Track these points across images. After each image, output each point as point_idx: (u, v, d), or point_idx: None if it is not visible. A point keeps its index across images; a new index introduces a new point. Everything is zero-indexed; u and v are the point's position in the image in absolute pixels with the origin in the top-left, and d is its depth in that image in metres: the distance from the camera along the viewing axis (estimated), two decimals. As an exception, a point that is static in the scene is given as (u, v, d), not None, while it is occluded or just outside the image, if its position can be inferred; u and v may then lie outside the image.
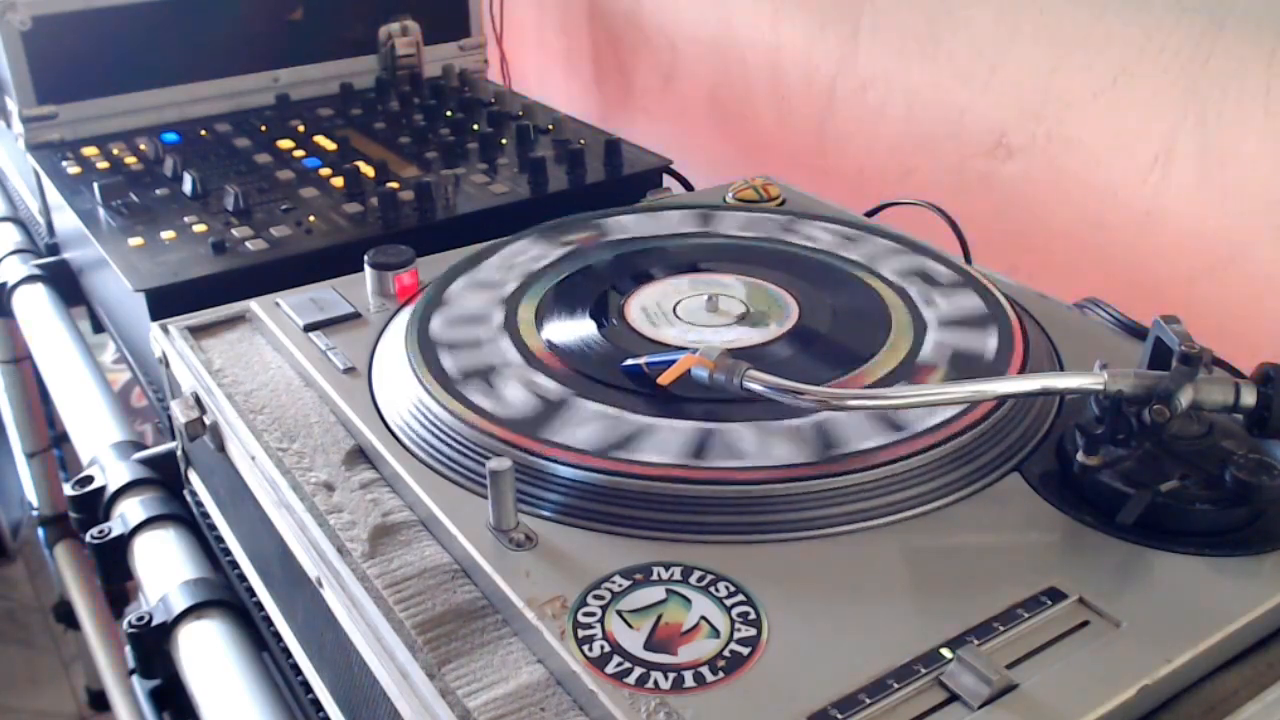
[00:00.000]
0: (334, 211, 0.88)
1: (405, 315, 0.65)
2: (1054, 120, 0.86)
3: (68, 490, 0.76)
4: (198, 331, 0.68)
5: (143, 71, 1.06)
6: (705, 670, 0.41)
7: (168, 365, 0.69)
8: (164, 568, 0.68)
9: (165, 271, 0.78)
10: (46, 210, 1.09)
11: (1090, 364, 0.50)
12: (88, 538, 0.71)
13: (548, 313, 0.64)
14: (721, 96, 1.20)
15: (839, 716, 0.39)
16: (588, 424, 0.53)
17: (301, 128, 1.07)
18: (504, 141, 1.01)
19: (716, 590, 0.45)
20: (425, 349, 0.60)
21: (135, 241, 0.82)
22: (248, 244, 0.82)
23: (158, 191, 0.92)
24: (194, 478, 0.73)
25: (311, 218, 0.86)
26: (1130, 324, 0.65)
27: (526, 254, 0.72)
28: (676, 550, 0.47)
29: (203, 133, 1.06)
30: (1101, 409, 0.50)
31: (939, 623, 0.43)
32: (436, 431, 0.54)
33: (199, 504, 0.74)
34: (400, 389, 0.58)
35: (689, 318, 0.63)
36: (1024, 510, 0.50)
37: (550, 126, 1.06)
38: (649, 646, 0.42)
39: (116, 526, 0.71)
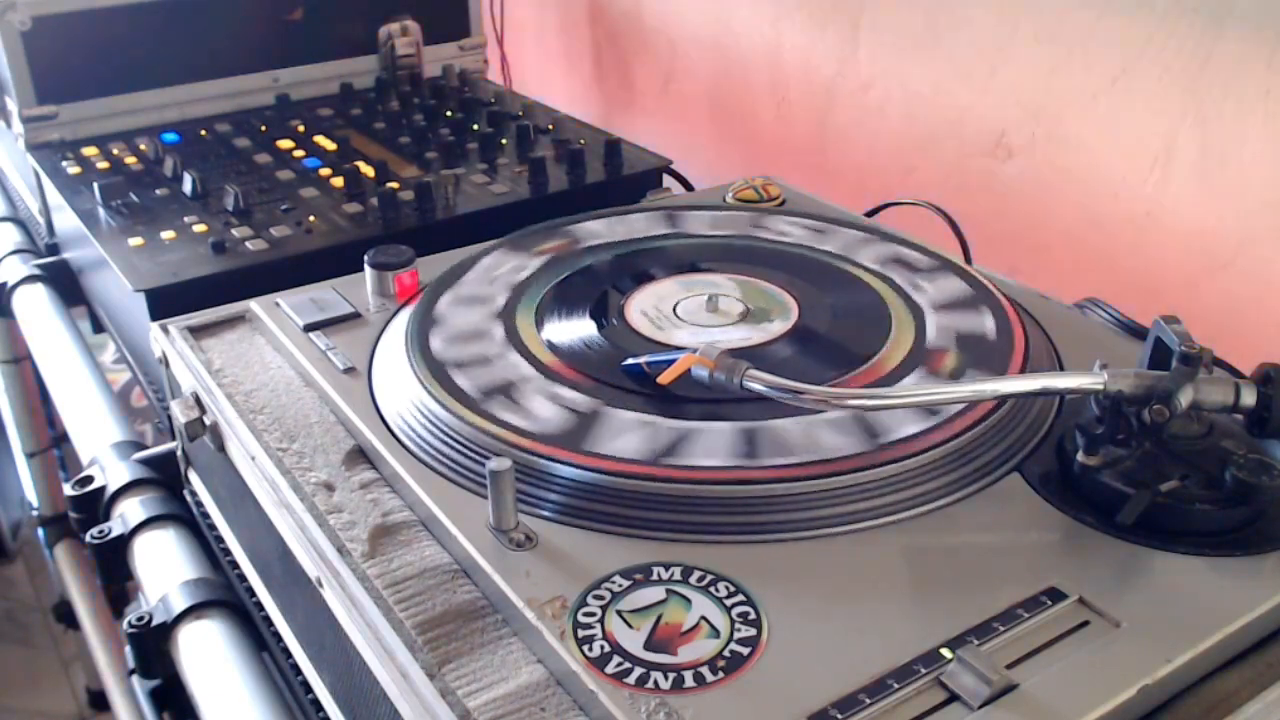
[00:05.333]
0: (334, 211, 0.88)
1: (405, 315, 0.65)
2: (1054, 120, 0.86)
3: (68, 490, 0.76)
4: (198, 331, 0.68)
5: (143, 71, 1.06)
6: (705, 670, 0.41)
7: (168, 365, 0.69)
8: (164, 568, 0.68)
9: (165, 271, 0.78)
10: (46, 210, 1.09)
11: (1090, 364, 0.50)
12: (88, 538, 0.71)
13: (547, 313, 0.65)
14: (721, 96, 1.20)
15: (839, 716, 0.39)
16: (587, 423, 0.53)
17: (301, 128, 1.07)
18: (504, 141, 1.01)
19: (716, 590, 0.45)
20: (425, 349, 0.60)
21: (135, 241, 0.82)
22: (248, 244, 0.82)
23: (158, 191, 0.92)
24: (194, 478, 0.73)
25: (311, 218, 0.86)
26: (1130, 324, 0.65)
27: (527, 254, 0.72)
28: (676, 550, 0.47)
29: (203, 133, 1.06)
30: (1101, 409, 0.49)
31: (939, 623, 0.43)
32: (436, 431, 0.54)
33: (199, 504, 0.74)
34: (400, 389, 0.58)
35: (689, 318, 0.63)
36: (1024, 510, 0.50)
37: (550, 126, 1.06)
38: (649, 646, 0.42)
39: (116, 526, 0.71)
